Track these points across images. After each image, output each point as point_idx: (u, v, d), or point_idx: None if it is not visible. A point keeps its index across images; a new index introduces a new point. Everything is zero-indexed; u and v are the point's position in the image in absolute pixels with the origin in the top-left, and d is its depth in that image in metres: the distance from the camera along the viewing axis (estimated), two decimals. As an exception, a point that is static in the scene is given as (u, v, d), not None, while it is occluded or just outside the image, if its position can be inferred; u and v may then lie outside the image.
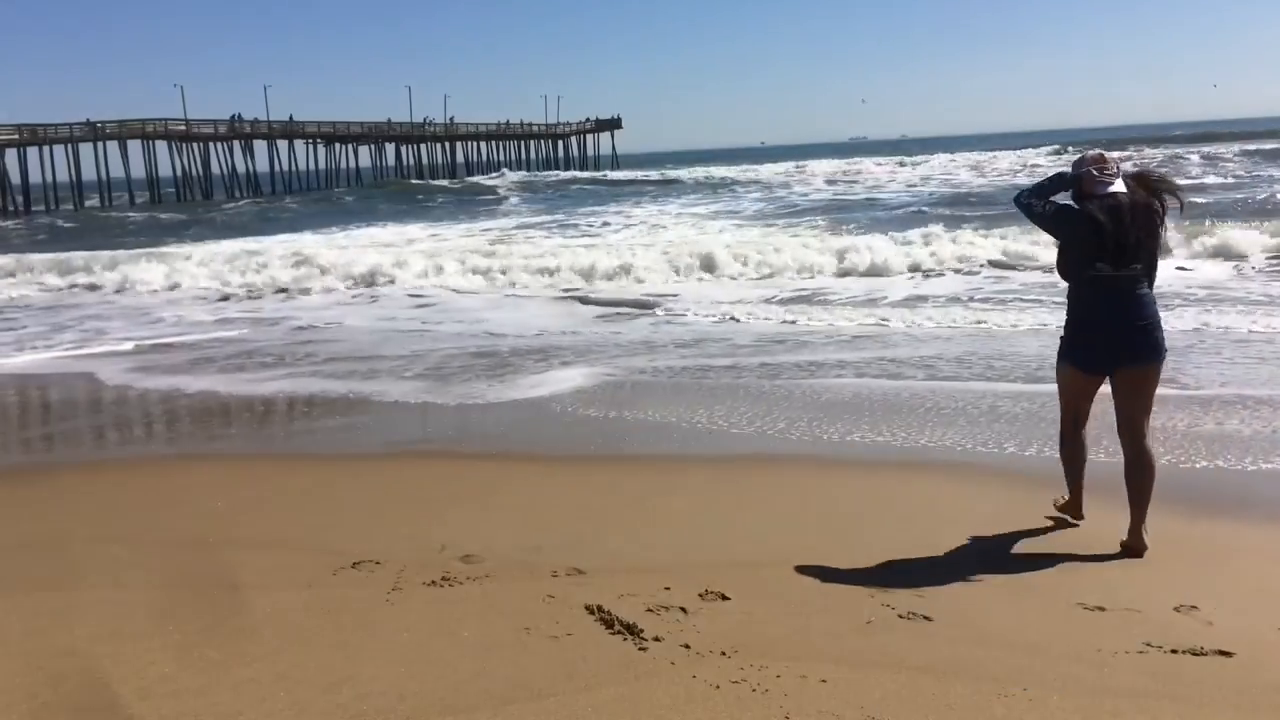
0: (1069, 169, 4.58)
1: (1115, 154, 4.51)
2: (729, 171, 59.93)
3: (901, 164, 56.25)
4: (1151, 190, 4.39)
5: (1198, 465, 5.82)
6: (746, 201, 38.32)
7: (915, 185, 40.73)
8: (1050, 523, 4.90)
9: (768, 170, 59.15)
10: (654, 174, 60.89)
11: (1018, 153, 61.39)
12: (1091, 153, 4.54)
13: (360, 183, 66.77)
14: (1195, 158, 43.81)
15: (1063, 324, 4.65)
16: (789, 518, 5.14)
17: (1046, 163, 47.69)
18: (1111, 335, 4.39)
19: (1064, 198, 4.56)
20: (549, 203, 43.50)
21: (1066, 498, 4.90)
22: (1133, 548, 4.45)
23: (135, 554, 4.80)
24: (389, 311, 14.76)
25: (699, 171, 61.40)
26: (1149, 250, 4.34)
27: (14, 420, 8.94)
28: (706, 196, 42.35)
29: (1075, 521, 4.86)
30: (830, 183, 45.98)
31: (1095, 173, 4.38)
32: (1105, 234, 4.26)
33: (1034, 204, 4.56)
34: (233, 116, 63.49)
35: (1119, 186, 4.35)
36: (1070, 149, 53.58)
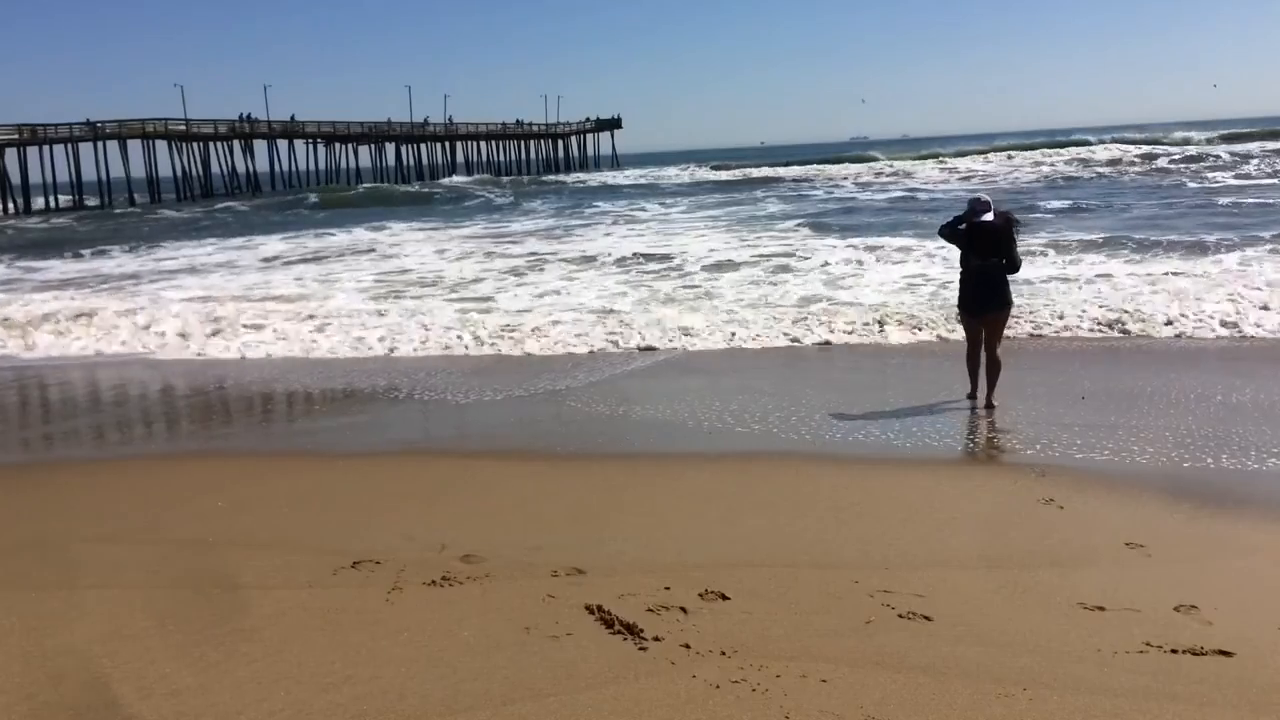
0: (967, 207, 7.60)
1: (989, 197, 7.70)
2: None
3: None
4: (1006, 221, 7.53)
5: (1198, 464, 5.83)
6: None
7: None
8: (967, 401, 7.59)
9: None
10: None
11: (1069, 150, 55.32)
12: (975, 197, 7.64)
13: (356, 182, 66.51)
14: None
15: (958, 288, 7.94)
16: (789, 517, 5.14)
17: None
18: (979, 296, 7.59)
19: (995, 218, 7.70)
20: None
21: (970, 389, 7.72)
22: (987, 407, 7.40)
23: (135, 554, 4.80)
24: None
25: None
26: (1007, 251, 7.44)
27: None
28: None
29: (974, 403, 7.60)
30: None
31: (976, 210, 7.50)
32: (976, 242, 7.52)
33: (944, 231, 7.88)
34: (241, 116, 63.49)
35: (989, 217, 7.47)
36: (1107, 144, 53.66)
